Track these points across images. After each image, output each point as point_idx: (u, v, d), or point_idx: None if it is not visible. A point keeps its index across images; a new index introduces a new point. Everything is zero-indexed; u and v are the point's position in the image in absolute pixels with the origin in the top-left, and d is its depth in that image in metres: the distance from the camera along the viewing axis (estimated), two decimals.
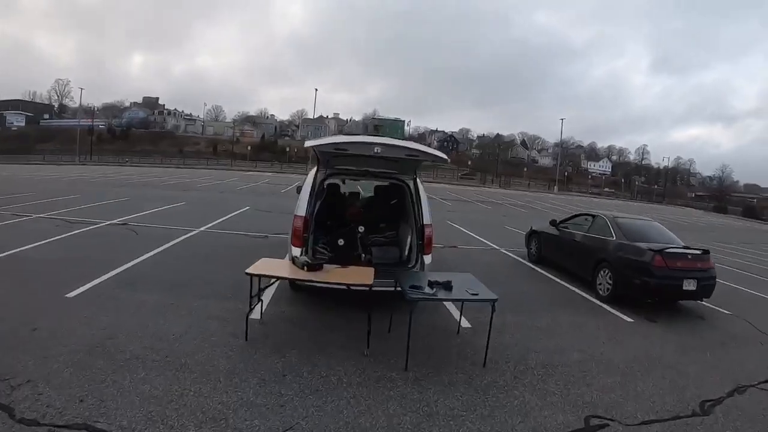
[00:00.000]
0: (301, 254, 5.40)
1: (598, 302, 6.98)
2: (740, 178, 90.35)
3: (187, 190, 22.38)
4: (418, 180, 6.11)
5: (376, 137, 5.25)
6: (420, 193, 6.00)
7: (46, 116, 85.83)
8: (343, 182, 8.16)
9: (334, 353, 4.45)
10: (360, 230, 6.36)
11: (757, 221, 46.44)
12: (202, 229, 10.94)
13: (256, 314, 5.14)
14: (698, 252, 6.88)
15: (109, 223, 10.52)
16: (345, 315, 5.39)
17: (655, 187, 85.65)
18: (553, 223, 9.34)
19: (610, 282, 6.95)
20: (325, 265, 4.82)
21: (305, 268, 4.56)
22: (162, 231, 10.10)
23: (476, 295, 4.28)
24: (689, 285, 6.55)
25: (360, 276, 4.57)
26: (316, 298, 5.84)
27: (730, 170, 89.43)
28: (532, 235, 10.14)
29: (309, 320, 5.28)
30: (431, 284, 4.40)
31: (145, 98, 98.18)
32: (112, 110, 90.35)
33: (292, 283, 5.66)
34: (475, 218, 19.14)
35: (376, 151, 4.77)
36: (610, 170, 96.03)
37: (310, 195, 5.68)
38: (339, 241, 6.25)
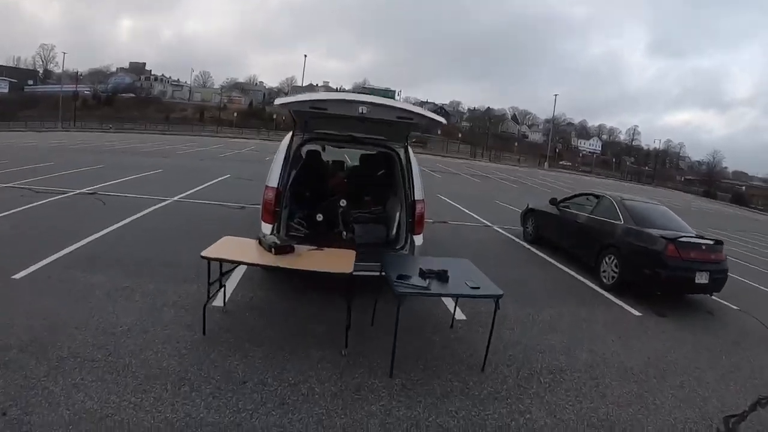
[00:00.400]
0: (271, 232, 4.63)
1: (601, 291, 6.36)
2: (729, 165, 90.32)
3: (168, 157, 21.17)
4: (409, 149, 5.27)
5: (361, 95, 4.38)
6: (411, 163, 5.17)
7: (30, 82, 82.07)
8: (323, 149, 7.32)
9: (307, 352, 3.75)
10: (341, 204, 5.56)
11: (747, 209, 46.32)
12: (175, 198, 10.05)
13: (219, 301, 4.42)
14: (711, 242, 6.25)
15: (77, 192, 9.55)
16: (322, 302, 4.67)
17: (646, 168, 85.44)
18: (553, 201, 8.61)
19: (616, 270, 6.32)
20: (297, 246, 4.05)
21: (273, 250, 3.78)
22: (132, 201, 9.21)
23: (477, 289, 3.55)
24: (701, 278, 5.94)
25: (338, 261, 3.81)
26: (291, 281, 5.11)
27: (720, 156, 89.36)
28: (528, 213, 9.44)
29: (280, 309, 4.55)
30: (424, 274, 3.65)
31: (131, 64, 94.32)
32: (98, 76, 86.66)
33: None
34: (465, 192, 18.33)
35: (361, 111, 3.95)
36: (600, 149, 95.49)
37: (284, 163, 4.83)
38: (317, 216, 5.46)
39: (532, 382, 3.69)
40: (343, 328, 3.90)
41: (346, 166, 7.78)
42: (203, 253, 3.65)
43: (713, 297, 6.51)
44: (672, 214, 7.26)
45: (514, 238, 9.52)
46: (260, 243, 3.97)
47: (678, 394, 3.84)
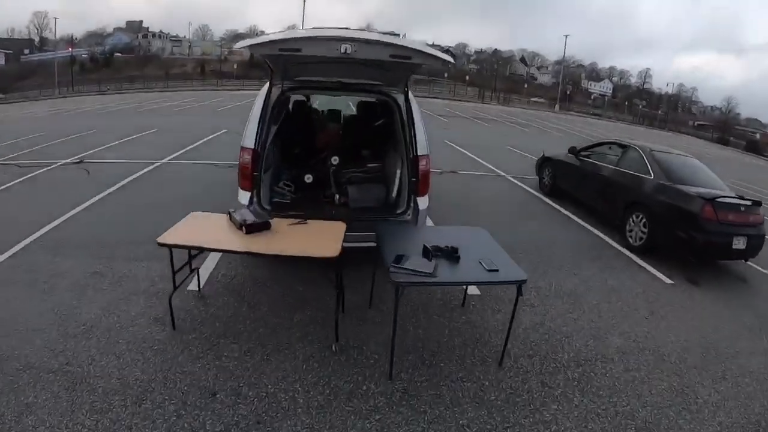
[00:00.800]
0: (250, 201, 3.94)
1: (628, 253, 5.64)
2: (742, 111, 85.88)
3: (164, 115, 20.09)
4: (410, 95, 4.38)
5: (344, 30, 3.51)
6: (413, 112, 4.30)
7: (27, 51, 79.20)
8: (308, 100, 6.44)
9: (292, 348, 3.16)
10: (333, 162, 4.78)
11: (762, 157, 43.94)
12: (165, 160, 9.30)
13: (195, 284, 3.83)
14: (749, 203, 5.40)
15: (62, 163, 8.79)
16: (314, 282, 4.02)
17: (659, 112, 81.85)
18: (572, 150, 7.69)
19: (644, 230, 5.57)
20: (277, 220, 3.37)
21: (243, 228, 3.11)
22: (118, 167, 8.47)
23: (495, 272, 2.84)
24: (739, 243, 5.17)
25: (323, 239, 3.09)
26: None
27: (734, 102, 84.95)
28: (545, 162, 8.52)
29: (264, 291, 3.92)
30: (428, 252, 2.95)
31: (128, 23, 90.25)
32: (95, 38, 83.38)
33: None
34: (474, 137, 17.14)
35: (344, 50, 3.11)
36: (611, 91, 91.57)
37: (260, 119, 4.02)
38: (306, 177, 4.71)
39: (559, 379, 3.09)
40: (334, 312, 3.30)
41: (344, 116, 6.84)
42: (159, 239, 2.97)
43: (747, 263, 5.78)
44: (705, 168, 6.38)
45: (528, 189, 8.68)
46: (231, 219, 3.28)
47: (721, 388, 3.22)
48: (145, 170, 8.32)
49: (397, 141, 4.70)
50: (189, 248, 2.97)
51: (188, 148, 10.77)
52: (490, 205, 7.30)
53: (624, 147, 6.76)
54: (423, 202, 4.26)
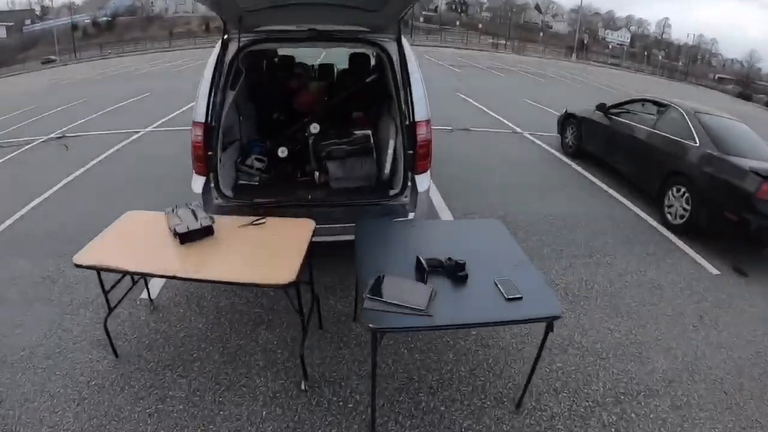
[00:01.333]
0: (205, 188, 3.13)
1: (666, 232, 4.74)
2: (764, 66, 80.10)
3: (161, 78, 18.90)
4: (404, 42, 3.28)
5: None
6: (409, 64, 3.22)
7: (28, 22, 76.64)
8: (275, 56, 5.47)
9: (250, 384, 2.45)
10: (312, 130, 3.86)
11: None
12: (150, 128, 8.50)
13: (147, 293, 3.13)
14: None
15: (46, 138, 8.00)
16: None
17: (679, 64, 77.00)
18: (601, 107, 6.60)
19: (686, 207, 4.66)
20: (224, 218, 2.58)
21: (177, 238, 2.32)
22: (101, 139, 7.72)
23: (518, 300, 2.00)
24: None
25: (281, 249, 2.27)
26: None
27: (757, 56, 79.12)
28: (568, 120, 7.43)
29: (228, 299, 3.19)
30: (423, 269, 2.14)
31: None
32: (97, 3, 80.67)
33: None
34: (488, 89, 15.65)
35: None
36: (629, 41, 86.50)
37: (212, 85, 3.12)
38: (280, 150, 3.87)
39: (593, 424, 2.36)
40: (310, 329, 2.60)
41: (336, 73, 5.69)
42: (75, 259, 2.21)
43: None
44: (756, 136, 5.29)
45: (549, 149, 7.65)
46: (168, 220, 2.51)
47: None
48: (125, 142, 7.60)
49: (389, 103, 3.75)
50: (107, 270, 2.21)
51: (179, 111, 9.85)
52: (506, 171, 6.38)
53: (663, 106, 5.68)
54: (423, 181, 3.28)
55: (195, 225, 2.31)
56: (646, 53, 78.33)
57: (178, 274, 2.05)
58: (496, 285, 2.09)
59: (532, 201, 5.30)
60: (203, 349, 2.71)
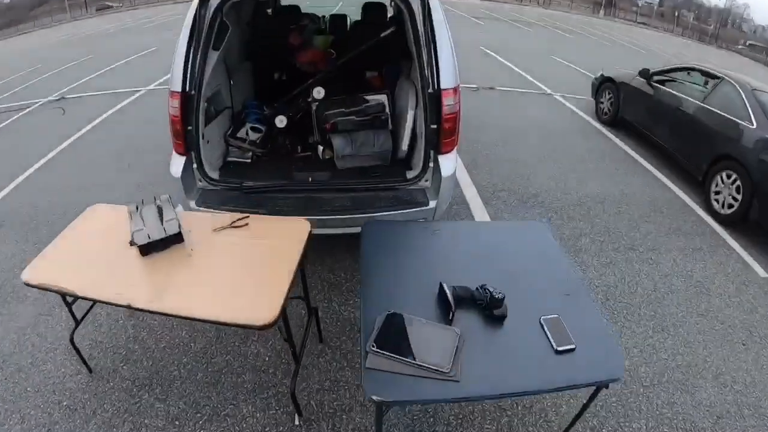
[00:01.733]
0: (185, 169, 2.61)
1: (712, 223, 4.16)
2: None
3: (171, 29, 18.01)
4: None
5: None
6: (435, 20, 2.57)
7: None
8: (273, 8, 4.74)
9: (236, 413, 2.07)
10: (317, 95, 3.25)
11: None
12: (151, 86, 7.92)
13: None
14: None
15: (45, 101, 7.42)
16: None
17: (710, 27, 71.75)
18: (643, 74, 5.79)
19: (737, 196, 4.04)
20: (194, 216, 2.12)
21: (138, 249, 1.84)
22: (98, 100, 7.18)
23: (569, 352, 1.51)
24: None
25: (264, 269, 1.78)
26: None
27: None
28: (604, 84, 6.63)
29: None
30: (448, 303, 1.63)
31: None
32: None
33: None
34: (514, 44, 14.40)
35: None
36: (658, 0, 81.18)
37: (189, 45, 2.53)
38: (278, 119, 3.26)
39: None
40: (309, 345, 2.22)
41: (349, 26, 4.89)
42: (24, 276, 1.77)
43: None
44: None
45: (582, 114, 6.92)
46: (130, 225, 2.02)
47: None
48: (127, 101, 7.16)
49: (409, 65, 3.12)
50: (56, 292, 1.76)
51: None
52: (536, 139, 5.77)
53: (715, 78, 4.91)
54: (448, 163, 2.67)
55: (158, 233, 1.82)
56: (675, 13, 73.35)
57: (133, 304, 1.60)
58: (542, 326, 1.61)
59: (566, 178, 4.75)
60: (185, 365, 2.32)
